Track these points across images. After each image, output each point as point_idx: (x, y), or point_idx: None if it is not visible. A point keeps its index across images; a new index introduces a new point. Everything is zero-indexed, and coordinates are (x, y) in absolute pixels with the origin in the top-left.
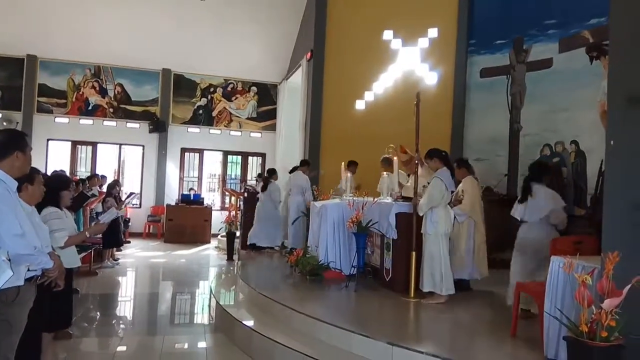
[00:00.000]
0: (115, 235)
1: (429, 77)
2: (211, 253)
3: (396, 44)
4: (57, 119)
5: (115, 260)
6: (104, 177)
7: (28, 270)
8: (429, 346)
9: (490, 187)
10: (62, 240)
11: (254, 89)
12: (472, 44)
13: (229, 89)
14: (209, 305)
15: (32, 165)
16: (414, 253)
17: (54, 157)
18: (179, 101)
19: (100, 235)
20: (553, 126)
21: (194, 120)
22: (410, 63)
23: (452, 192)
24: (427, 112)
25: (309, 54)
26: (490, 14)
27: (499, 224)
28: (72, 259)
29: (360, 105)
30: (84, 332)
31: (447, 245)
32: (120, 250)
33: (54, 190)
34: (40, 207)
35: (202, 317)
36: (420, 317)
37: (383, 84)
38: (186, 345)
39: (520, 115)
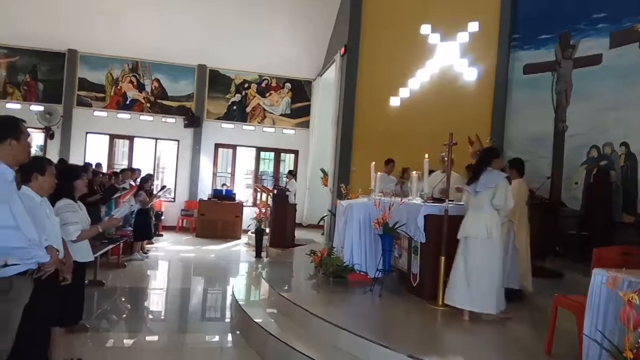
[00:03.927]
0: (146, 228)
1: (469, 73)
2: (241, 249)
3: (434, 38)
4: (96, 113)
5: (145, 253)
6: (138, 170)
7: (6, 264)
8: None
9: (532, 191)
10: (75, 233)
11: (288, 85)
12: (515, 38)
13: (263, 85)
14: (230, 304)
15: (72, 157)
16: (443, 258)
17: (93, 150)
18: (213, 97)
19: (130, 228)
20: (601, 126)
21: (227, 116)
22: (449, 58)
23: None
24: (466, 109)
25: (343, 49)
26: (535, 7)
27: (541, 230)
28: (84, 253)
29: (395, 102)
30: (103, 326)
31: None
32: (152, 244)
33: (68, 181)
34: (54, 199)
35: (221, 315)
36: (447, 328)
37: (419, 80)
38: (202, 344)
39: (565, 114)
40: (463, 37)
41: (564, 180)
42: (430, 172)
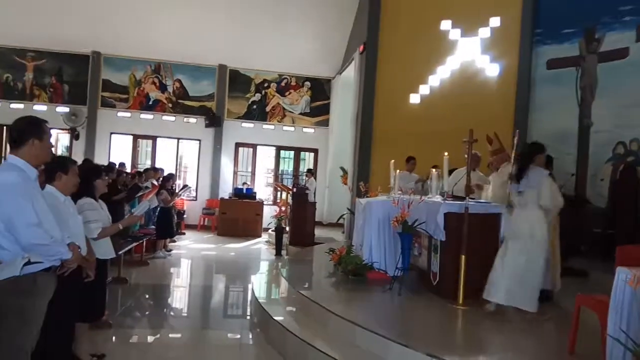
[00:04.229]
0: (169, 226)
1: (491, 69)
2: (262, 247)
3: (455, 34)
4: (120, 114)
5: (168, 251)
6: (161, 169)
7: (29, 261)
8: None
9: None
10: (96, 231)
11: (308, 84)
12: (538, 33)
13: (282, 84)
14: (251, 302)
15: (97, 158)
16: (463, 257)
17: (117, 150)
18: (233, 96)
19: (153, 226)
20: (628, 122)
21: (248, 116)
22: (470, 54)
23: None
24: (489, 106)
25: (362, 46)
26: (558, 1)
27: (566, 229)
28: (106, 250)
29: (414, 99)
30: (126, 322)
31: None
32: (174, 242)
33: (88, 180)
34: (76, 198)
35: (242, 313)
36: (468, 327)
37: (440, 77)
38: (223, 341)
39: (590, 110)
40: (484, 32)
41: (589, 177)
42: (453, 170)
